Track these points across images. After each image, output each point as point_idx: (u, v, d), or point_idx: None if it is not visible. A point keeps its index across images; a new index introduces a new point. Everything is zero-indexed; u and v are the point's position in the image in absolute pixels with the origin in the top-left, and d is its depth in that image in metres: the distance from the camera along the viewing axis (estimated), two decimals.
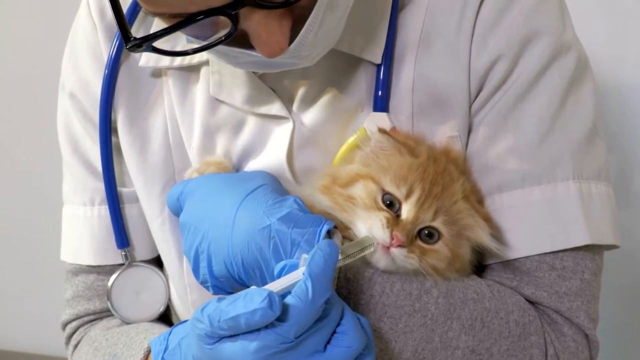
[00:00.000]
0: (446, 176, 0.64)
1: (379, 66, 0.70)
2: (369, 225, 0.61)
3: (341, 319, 0.54)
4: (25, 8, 1.43)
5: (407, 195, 0.62)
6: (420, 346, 0.62)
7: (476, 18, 0.68)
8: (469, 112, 0.70)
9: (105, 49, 0.78)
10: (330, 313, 0.53)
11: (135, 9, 0.76)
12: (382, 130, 0.66)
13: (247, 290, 0.52)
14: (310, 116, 0.71)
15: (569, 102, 0.69)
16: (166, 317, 0.84)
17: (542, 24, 0.68)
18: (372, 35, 0.70)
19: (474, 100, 0.70)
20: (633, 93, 1.17)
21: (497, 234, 0.66)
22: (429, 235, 0.62)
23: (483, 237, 0.64)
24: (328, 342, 0.53)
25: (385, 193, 0.63)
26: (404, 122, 0.70)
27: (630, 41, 1.16)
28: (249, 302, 0.50)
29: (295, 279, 0.53)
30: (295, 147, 0.71)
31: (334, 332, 0.54)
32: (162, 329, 0.77)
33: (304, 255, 0.54)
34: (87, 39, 0.79)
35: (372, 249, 0.59)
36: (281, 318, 0.50)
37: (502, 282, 0.68)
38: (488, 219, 0.65)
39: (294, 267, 0.55)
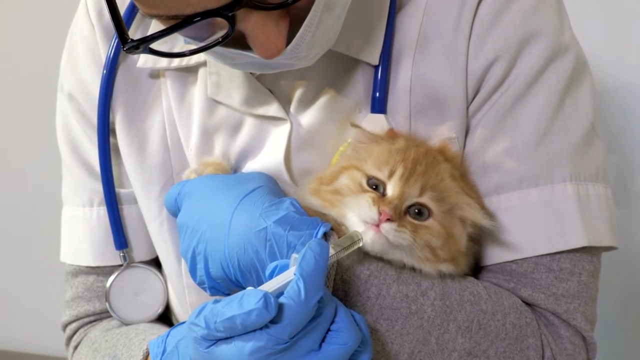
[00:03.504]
0: (429, 157, 0.64)
1: (376, 67, 0.70)
2: (357, 209, 0.61)
3: (335, 316, 0.54)
4: (24, 9, 1.43)
5: (390, 175, 0.63)
6: (416, 348, 0.62)
7: (473, 19, 0.68)
8: (466, 113, 0.70)
9: (103, 50, 0.78)
10: (324, 312, 0.53)
11: (132, 10, 0.76)
12: (354, 125, 0.67)
13: (243, 291, 0.52)
14: (308, 117, 0.71)
15: (566, 103, 0.69)
16: (166, 318, 0.84)
17: (540, 25, 0.68)
18: (370, 36, 0.70)
19: (472, 102, 0.70)
20: (632, 94, 1.16)
21: (488, 214, 0.66)
22: (419, 213, 0.62)
23: (474, 214, 0.64)
24: (323, 341, 0.53)
25: (369, 178, 0.63)
26: (401, 123, 0.70)
27: (630, 42, 1.16)
28: (245, 303, 0.50)
29: (287, 279, 0.53)
30: (293, 148, 0.71)
31: (329, 330, 0.54)
32: (162, 329, 0.77)
33: (294, 255, 0.54)
34: (85, 40, 0.79)
35: (360, 244, 0.59)
36: (275, 319, 0.50)
37: (499, 284, 0.68)
38: (478, 200, 0.65)
39: (285, 267, 0.55)
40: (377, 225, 0.60)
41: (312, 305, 0.51)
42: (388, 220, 0.59)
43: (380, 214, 0.60)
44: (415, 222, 0.61)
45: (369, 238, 0.60)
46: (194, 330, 0.53)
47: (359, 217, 0.61)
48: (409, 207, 0.62)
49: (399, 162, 0.63)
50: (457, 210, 0.64)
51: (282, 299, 0.51)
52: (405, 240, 0.60)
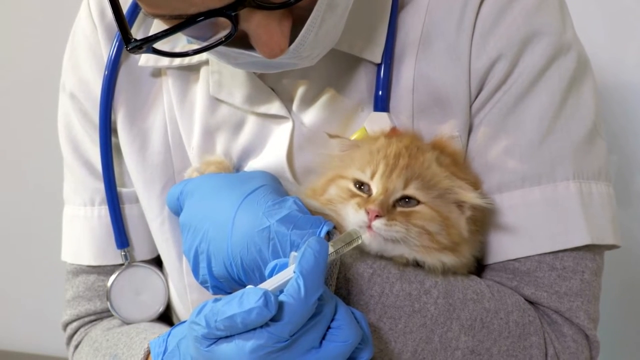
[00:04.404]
0: (412, 148, 0.65)
1: (379, 66, 0.70)
2: (347, 218, 0.62)
3: (335, 314, 0.54)
4: (25, 9, 1.43)
5: (373, 175, 0.63)
6: (419, 346, 0.62)
7: (476, 18, 0.68)
8: (469, 112, 0.70)
9: (105, 50, 0.78)
10: (324, 309, 0.53)
11: (135, 9, 0.76)
12: (332, 135, 0.68)
13: (243, 290, 0.52)
14: (310, 116, 0.71)
15: (569, 102, 0.69)
16: (167, 317, 0.84)
17: (543, 23, 0.68)
18: (372, 35, 0.70)
19: (474, 100, 0.70)
20: (633, 93, 1.17)
21: (483, 192, 0.66)
22: (408, 203, 0.62)
23: (466, 195, 0.64)
24: (323, 338, 0.53)
25: (355, 182, 0.64)
26: (404, 122, 0.70)
27: (630, 41, 1.16)
28: (245, 301, 0.50)
29: (287, 277, 0.53)
30: (295, 147, 0.71)
31: (329, 327, 0.54)
32: (163, 328, 0.77)
33: (293, 253, 0.54)
34: (87, 40, 0.79)
35: (359, 241, 0.60)
36: (275, 317, 0.50)
37: (501, 282, 0.68)
38: (472, 181, 0.66)
39: (285, 265, 0.55)
40: (369, 226, 0.60)
41: (312, 302, 0.51)
42: (377, 217, 0.60)
43: (367, 213, 0.60)
44: (405, 209, 0.62)
45: (365, 239, 0.60)
46: (194, 329, 0.53)
47: (351, 222, 0.61)
48: (397, 200, 0.62)
49: (381, 160, 0.63)
50: (450, 195, 0.64)
51: (282, 297, 0.51)
52: (398, 232, 0.60)
